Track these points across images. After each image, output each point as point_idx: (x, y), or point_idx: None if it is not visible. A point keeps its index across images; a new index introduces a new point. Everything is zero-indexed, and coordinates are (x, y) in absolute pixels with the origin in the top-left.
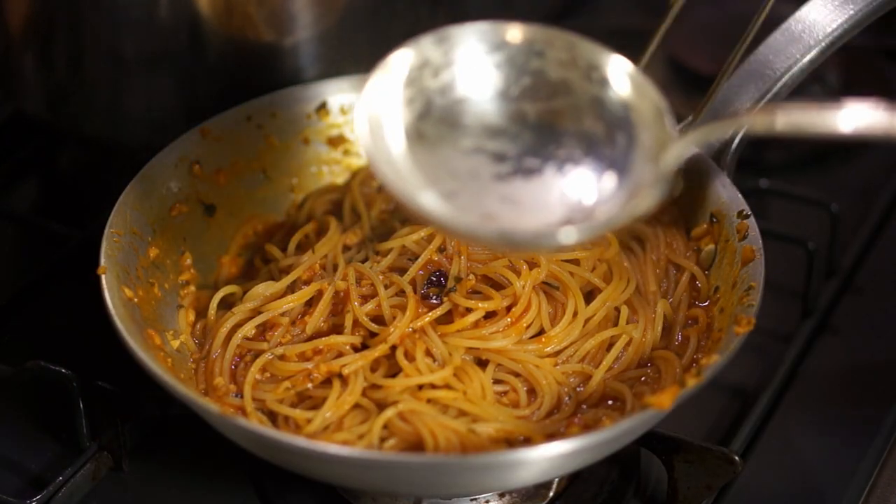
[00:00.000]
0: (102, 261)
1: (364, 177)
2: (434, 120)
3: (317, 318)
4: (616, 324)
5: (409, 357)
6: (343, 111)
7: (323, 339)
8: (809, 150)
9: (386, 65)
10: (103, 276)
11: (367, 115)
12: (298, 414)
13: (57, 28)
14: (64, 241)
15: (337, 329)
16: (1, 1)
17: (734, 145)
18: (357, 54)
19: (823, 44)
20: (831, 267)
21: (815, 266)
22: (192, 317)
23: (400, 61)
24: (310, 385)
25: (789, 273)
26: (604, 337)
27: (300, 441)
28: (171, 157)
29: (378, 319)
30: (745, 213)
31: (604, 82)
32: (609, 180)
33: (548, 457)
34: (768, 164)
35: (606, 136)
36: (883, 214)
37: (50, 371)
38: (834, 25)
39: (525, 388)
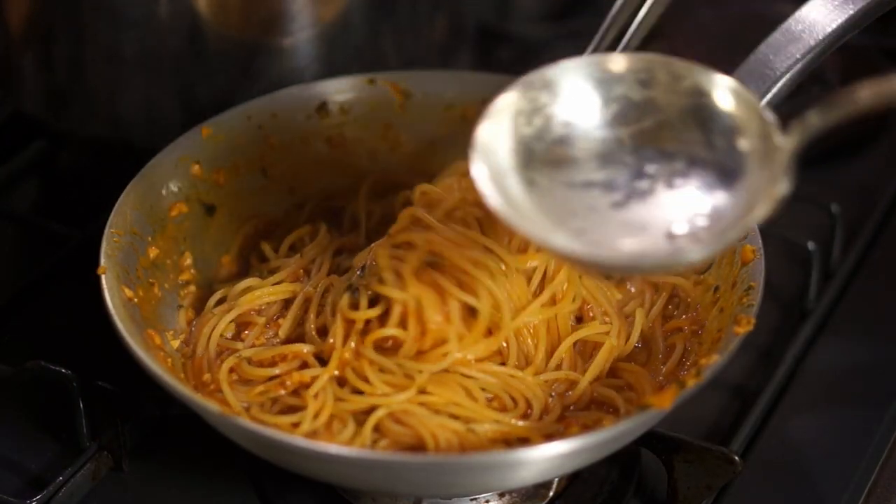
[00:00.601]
0: (102, 261)
1: (371, 184)
2: (540, 163)
3: (289, 322)
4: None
5: (363, 378)
6: (343, 111)
7: (287, 346)
8: (810, 150)
9: (491, 113)
10: (103, 276)
11: (486, 173)
12: (283, 420)
13: (57, 28)
14: (64, 241)
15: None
16: (1, 1)
17: None
18: (357, 54)
19: (823, 43)
20: (831, 267)
21: (815, 266)
22: (192, 316)
23: (503, 107)
24: (283, 392)
25: (789, 273)
26: (574, 339)
27: (300, 441)
28: (171, 157)
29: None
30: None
31: (698, 95)
32: (723, 190)
33: (548, 457)
34: None
35: (711, 148)
36: (883, 215)
37: (50, 371)
38: (834, 25)
39: (508, 395)
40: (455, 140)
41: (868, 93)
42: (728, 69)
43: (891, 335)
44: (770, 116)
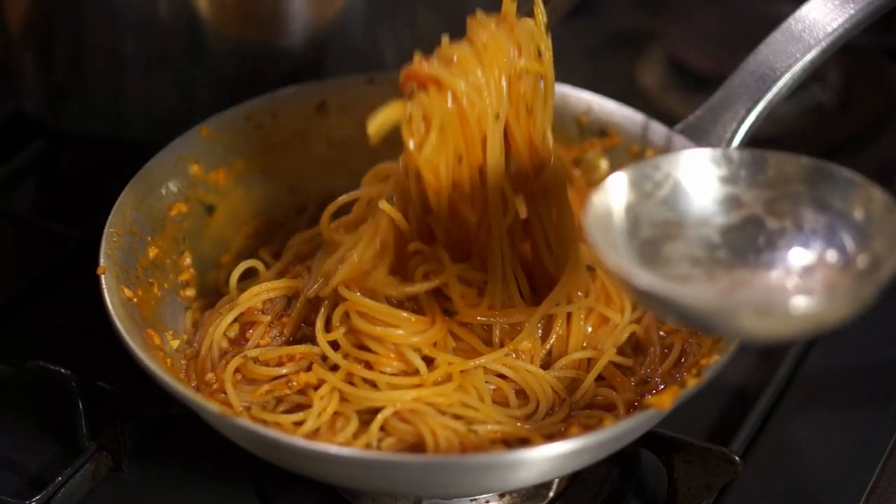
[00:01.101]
0: (102, 261)
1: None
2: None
3: (293, 321)
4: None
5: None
6: (343, 111)
7: (295, 346)
8: (810, 150)
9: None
10: (103, 276)
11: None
12: (286, 419)
13: (57, 28)
14: (63, 241)
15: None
16: (1, 1)
17: (736, 144)
18: (357, 54)
19: (824, 43)
20: None
21: None
22: (198, 318)
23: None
24: (288, 391)
25: None
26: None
27: (300, 441)
28: (171, 156)
29: None
30: None
31: (820, 190)
32: (834, 261)
33: (548, 457)
34: None
35: (816, 227)
36: None
37: (49, 371)
38: (834, 25)
39: (514, 390)
40: None
41: None
42: (728, 69)
43: (891, 335)
44: (884, 195)
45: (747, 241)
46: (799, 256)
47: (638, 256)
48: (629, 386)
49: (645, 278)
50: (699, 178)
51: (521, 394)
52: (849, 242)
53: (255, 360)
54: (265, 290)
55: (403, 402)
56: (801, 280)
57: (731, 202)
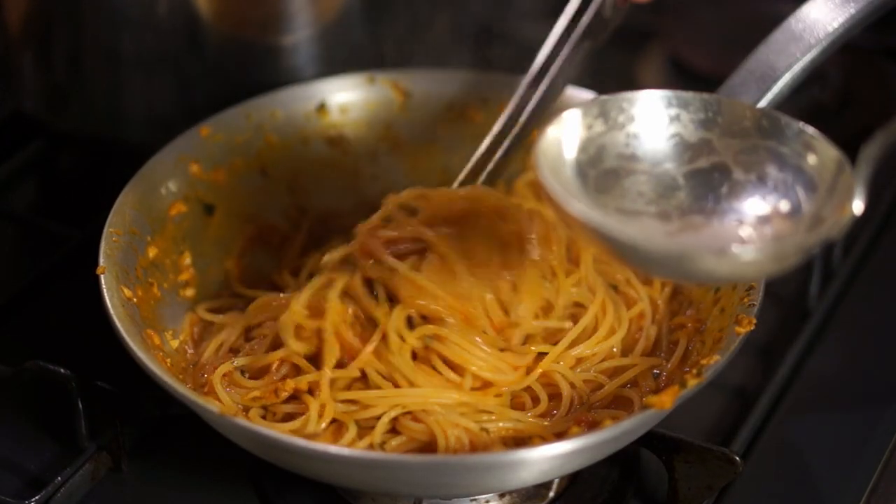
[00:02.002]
0: (101, 261)
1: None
2: (592, 190)
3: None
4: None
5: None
6: (343, 111)
7: (273, 353)
8: None
9: (560, 121)
10: (102, 276)
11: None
12: (281, 428)
13: (56, 27)
14: (63, 241)
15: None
16: (1, 1)
17: None
18: (356, 53)
19: (824, 43)
20: (831, 267)
21: (816, 266)
22: (197, 320)
23: (572, 120)
24: (276, 400)
25: (789, 273)
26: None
27: (300, 441)
28: (170, 156)
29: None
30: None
31: (761, 136)
32: (785, 213)
33: (548, 457)
34: None
35: (775, 181)
36: (884, 215)
37: (49, 371)
38: (835, 24)
39: (528, 395)
40: (455, 140)
41: None
42: (728, 68)
43: (892, 335)
44: (837, 153)
45: (709, 186)
46: (753, 206)
47: (594, 187)
48: (651, 384)
49: (577, 206)
50: (673, 117)
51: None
52: (801, 196)
53: (242, 369)
54: (265, 301)
55: (445, 402)
56: (750, 228)
57: (704, 147)
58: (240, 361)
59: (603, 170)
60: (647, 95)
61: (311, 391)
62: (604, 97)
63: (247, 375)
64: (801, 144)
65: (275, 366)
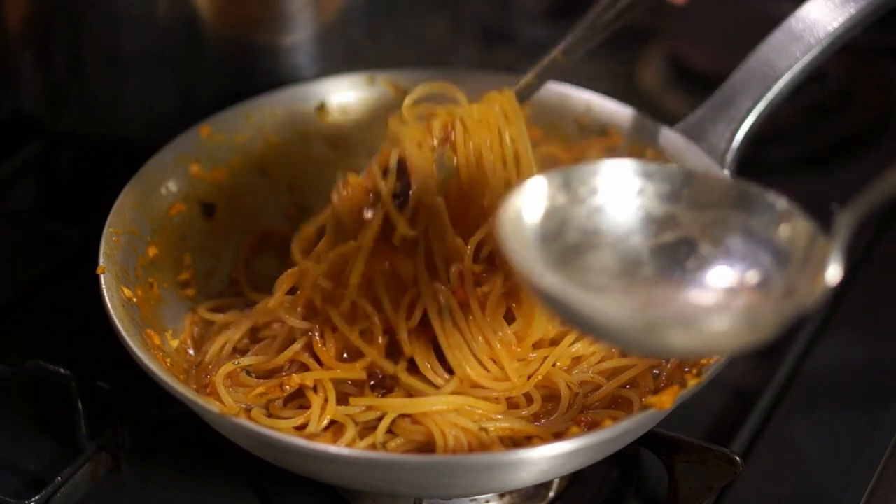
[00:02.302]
0: (101, 261)
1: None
2: (560, 258)
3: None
4: None
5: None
6: (343, 111)
7: (282, 353)
8: (810, 150)
9: (523, 190)
10: (102, 276)
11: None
12: (284, 424)
13: (56, 27)
14: (62, 241)
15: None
16: (0, 1)
17: (736, 144)
18: (356, 53)
19: (824, 43)
20: None
21: None
22: (197, 320)
23: (535, 189)
24: (281, 395)
25: None
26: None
27: (300, 441)
28: (170, 156)
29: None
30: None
31: (730, 208)
32: (756, 285)
33: (548, 457)
34: (769, 163)
35: (744, 254)
36: (884, 214)
37: (49, 371)
38: (835, 24)
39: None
40: None
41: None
42: (729, 68)
43: (892, 335)
44: (809, 224)
45: (675, 260)
46: (721, 278)
47: (557, 260)
48: (651, 385)
49: (547, 279)
50: (637, 190)
51: (547, 396)
52: (773, 268)
53: (248, 369)
54: (279, 305)
55: (449, 405)
56: (718, 300)
57: (669, 220)
58: (245, 361)
59: (566, 244)
60: (611, 167)
61: (315, 389)
62: (567, 168)
63: (253, 376)
64: (771, 215)
65: (286, 366)
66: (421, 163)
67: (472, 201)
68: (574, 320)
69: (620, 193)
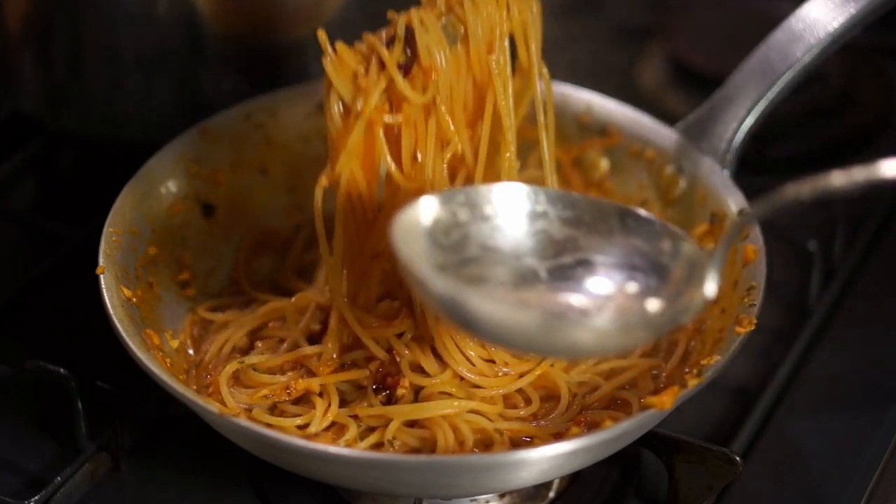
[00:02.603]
0: (101, 260)
1: None
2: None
3: (300, 332)
4: None
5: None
6: None
7: (293, 351)
8: (810, 150)
9: (423, 203)
10: (102, 276)
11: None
12: (288, 423)
13: (55, 27)
14: (62, 241)
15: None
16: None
17: (736, 144)
18: None
19: (825, 42)
20: (831, 267)
21: (815, 266)
22: (196, 320)
23: (433, 204)
24: (286, 398)
25: (789, 273)
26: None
27: (300, 441)
28: (170, 156)
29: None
30: (746, 212)
31: (619, 234)
32: (639, 297)
33: (548, 457)
34: (769, 162)
35: (635, 274)
36: (883, 215)
37: (48, 371)
38: (835, 24)
39: (520, 395)
40: None
41: (792, 192)
42: (729, 68)
43: (891, 335)
44: (696, 248)
45: (570, 276)
46: (609, 290)
47: (454, 270)
48: (650, 385)
49: (438, 282)
50: (540, 213)
51: (545, 396)
52: (657, 284)
53: (254, 367)
54: (281, 306)
55: (456, 410)
56: (600, 302)
57: (569, 244)
58: (250, 360)
59: (466, 257)
60: (515, 190)
61: (321, 393)
62: (472, 188)
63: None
64: (663, 241)
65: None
66: (428, 27)
67: (479, 66)
68: (464, 321)
69: (523, 215)
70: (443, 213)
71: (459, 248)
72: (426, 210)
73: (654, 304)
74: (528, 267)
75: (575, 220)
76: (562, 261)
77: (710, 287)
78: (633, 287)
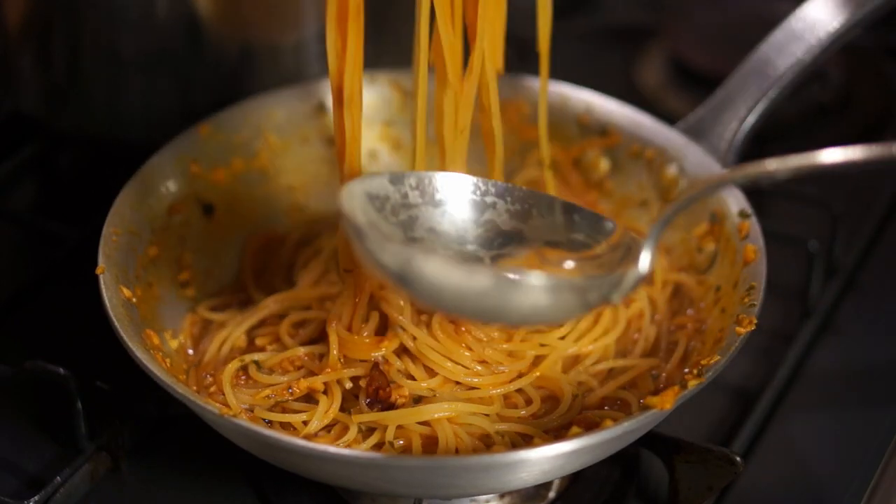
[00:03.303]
0: (101, 260)
1: None
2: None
3: (311, 326)
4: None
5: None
6: None
7: (291, 350)
8: (811, 149)
9: (376, 177)
10: (101, 276)
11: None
12: (294, 418)
13: (55, 27)
14: (62, 241)
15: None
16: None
17: (736, 143)
18: None
19: (825, 42)
20: (832, 267)
21: (816, 266)
22: (197, 320)
23: (373, 186)
24: (289, 397)
25: (790, 273)
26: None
27: (300, 441)
28: (170, 156)
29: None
30: (746, 212)
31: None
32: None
33: (548, 457)
34: None
35: (574, 261)
36: (883, 214)
37: (48, 371)
38: (835, 24)
39: (521, 395)
40: None
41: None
42: (729, 68)
43: (891, 335)
44: (634, 237)
45: (510, 258)
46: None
47: (400, 242)
48: (650, 386)
49: (388, 247)
50: (489, 205)
51: (545, 397)
52: (579, 253)
53: (258, 364)
54: (279, 301)
55: (447, 412)
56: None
57: (515, 236)
58: (251, 357)
59: (411, 236)
60: (468, 181)
61: (326, 392)
62: (424, 173)
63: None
64: (605, 234)
65: (292, 364)
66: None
67: None
68: (412, 285)
69: (472, 205)
70: (393, 191)
71: (407, 227)
72: (376, 185)
73: (571, 265)
74: (473, 253)
75: (522, 214)
76: (505, 251)
77: (644, 263)
78: (559, 255)
